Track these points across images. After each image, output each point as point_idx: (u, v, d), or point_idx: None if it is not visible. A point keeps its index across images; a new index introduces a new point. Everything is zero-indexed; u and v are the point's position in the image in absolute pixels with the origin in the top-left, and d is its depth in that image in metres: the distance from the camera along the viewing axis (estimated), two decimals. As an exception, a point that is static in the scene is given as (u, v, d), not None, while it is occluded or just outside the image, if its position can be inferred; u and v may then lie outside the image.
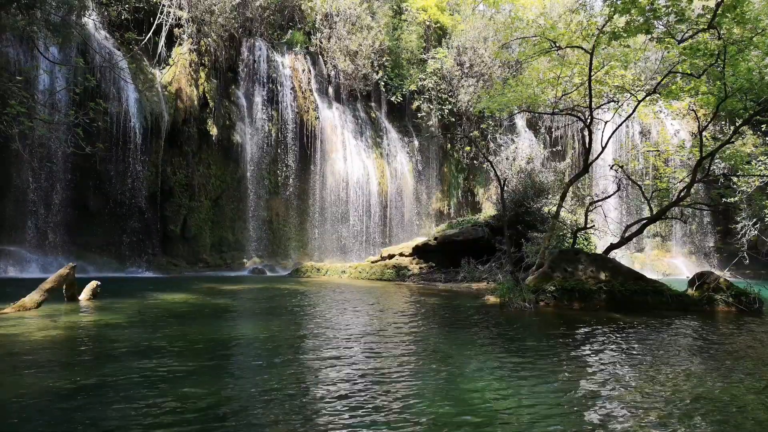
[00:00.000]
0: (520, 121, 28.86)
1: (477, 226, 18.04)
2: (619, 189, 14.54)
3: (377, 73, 25.75)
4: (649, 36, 11.32)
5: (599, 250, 13.96)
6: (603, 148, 13.25)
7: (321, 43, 24.81)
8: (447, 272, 16.58)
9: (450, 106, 27.09)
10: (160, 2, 19.91)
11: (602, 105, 13.80)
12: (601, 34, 10.98)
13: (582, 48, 12.19)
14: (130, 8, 19.70)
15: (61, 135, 15.04)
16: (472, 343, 6.45)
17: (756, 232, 20.83)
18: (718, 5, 9.63)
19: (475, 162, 28.06)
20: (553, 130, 29.21)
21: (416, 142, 27.50)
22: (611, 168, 15.18)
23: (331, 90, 25.34)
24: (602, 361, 5.49)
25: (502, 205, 13.24)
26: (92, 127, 13.59)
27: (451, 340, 6.66)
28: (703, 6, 10.39)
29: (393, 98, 26.52)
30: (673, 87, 12.40)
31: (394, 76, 26.80)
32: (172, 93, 19.99)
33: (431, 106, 27.03)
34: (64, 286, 8.91)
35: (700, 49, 10.15)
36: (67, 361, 5.22)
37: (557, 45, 12.21)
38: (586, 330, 7.44)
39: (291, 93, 23.18)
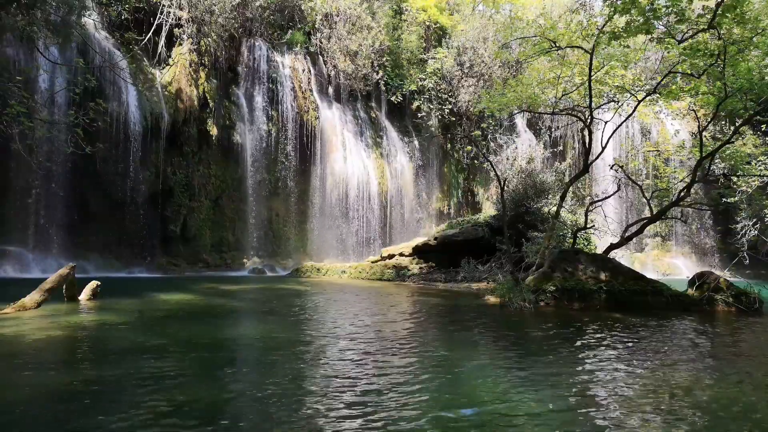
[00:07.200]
0: (521, 121, 28.86)
1: (477, 226, 18.03)
2: (619, 189, 14.54)
3: (377, 73, 25.75)
4: (649, 36, 11.32)
5: (599, 250, 13.96)
6: (603, 148, 13.25)
7: (321, 43, 24.81)
8: (447, 272, 16.57)
9: (450, 106, 27.09)
10: (160, 2, 19.90)
11: (602, 105, 13.80)
12: (601, 34, 10.97)
13: (582, 48, 12.19)
14: (130, 8, 19.69)
15: (61, 135, 15.03)
16: (472, 343, 6.44)
17: (756, 232, 20.81)
18: (718, 5, 9.63)
19: (475, 162, 28.06)
20: (553, 130, 29.21)
21: (416, 142, 27.50)
22: (611, 168, 15.18)
23: (331, 90, 25.34)
24: (602, 362, 5.49)
25: (502, 205, 13.24)
26: (92, 127, 13.57)
27: (451, 340, 6.66)
28: (703, 6, 10.39)
29: (393, 98, 26.52)
30: (673, 87, 12.40)
31: (394, 76, 26.80)
32: (172, 93, 19.99)
33: (431, 106, 27.03)
34: (64, 286, 8.90)
35: (700, 49, 10.15)
36: (67, 361, 5.21)
37: (557, 45, 12.20)
38: (586, 330, 7.44)
39: (291, 93, 23.18)
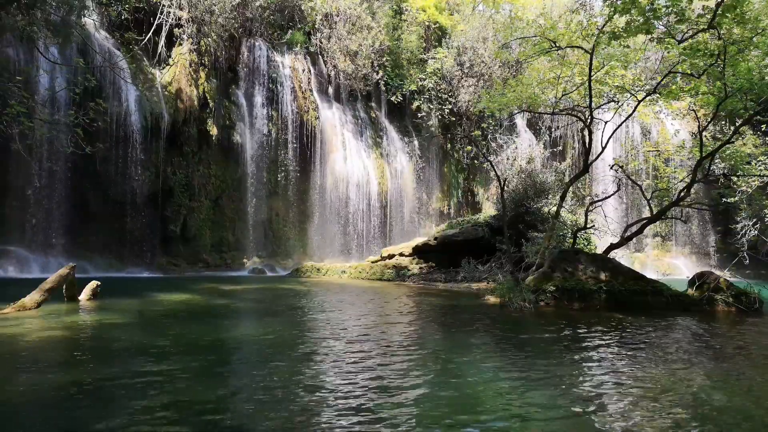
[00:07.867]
0: (521, 121, 28.86)
1: (477, 226, 18.03)
2: (619, 189, 14.55)
3: (377, 73, 25.75)
4: (649, 36, 11.32)
5: (599, 250, 13.96)
6: (603, 148, 13.25)
7: (321, 43, 24.81)
8: (447, 272, 16.57)
9: (450, 106, 27.10)
10: (160, 2, 19.91)
11: (602, 105, 13.80)
12: (601, 34, 10.97)
13: (582, 48, 12.19)
14: (130, 8, 19.70)
15: (61, 135, 15.04)
16: (472, 343, 6.44)
17: (756, 232, 20.81)
18: (718, 5, 9.63)
19: (475, 162, 28.08)
20: (553, 130, 29.23)
21: (416, 142, 27.51)
22: (611, 168, 15.19)
23: (331, 90, 25.35)
24: (602, 362, 5.49)
25: (502, 205, 13.25)
26: (92, 127, 13.59)
27: (451, 340, 6.66)
28: (703, 6, 10.40)
29: (393, 98, 26.53)
30: (673, 87, 12.40)
31: (394, 76, 26.81)
32: (172, 93, 19.99)
33: (431, 106, 27.04)
34: (64, 286, 8.90)
35: (700, 49, 10.15)
36: (67, 361, 5.21)
37: (557, 45, 12.21)
38: (586, 330, 7.44)
39: (291, 93, 23.18)
